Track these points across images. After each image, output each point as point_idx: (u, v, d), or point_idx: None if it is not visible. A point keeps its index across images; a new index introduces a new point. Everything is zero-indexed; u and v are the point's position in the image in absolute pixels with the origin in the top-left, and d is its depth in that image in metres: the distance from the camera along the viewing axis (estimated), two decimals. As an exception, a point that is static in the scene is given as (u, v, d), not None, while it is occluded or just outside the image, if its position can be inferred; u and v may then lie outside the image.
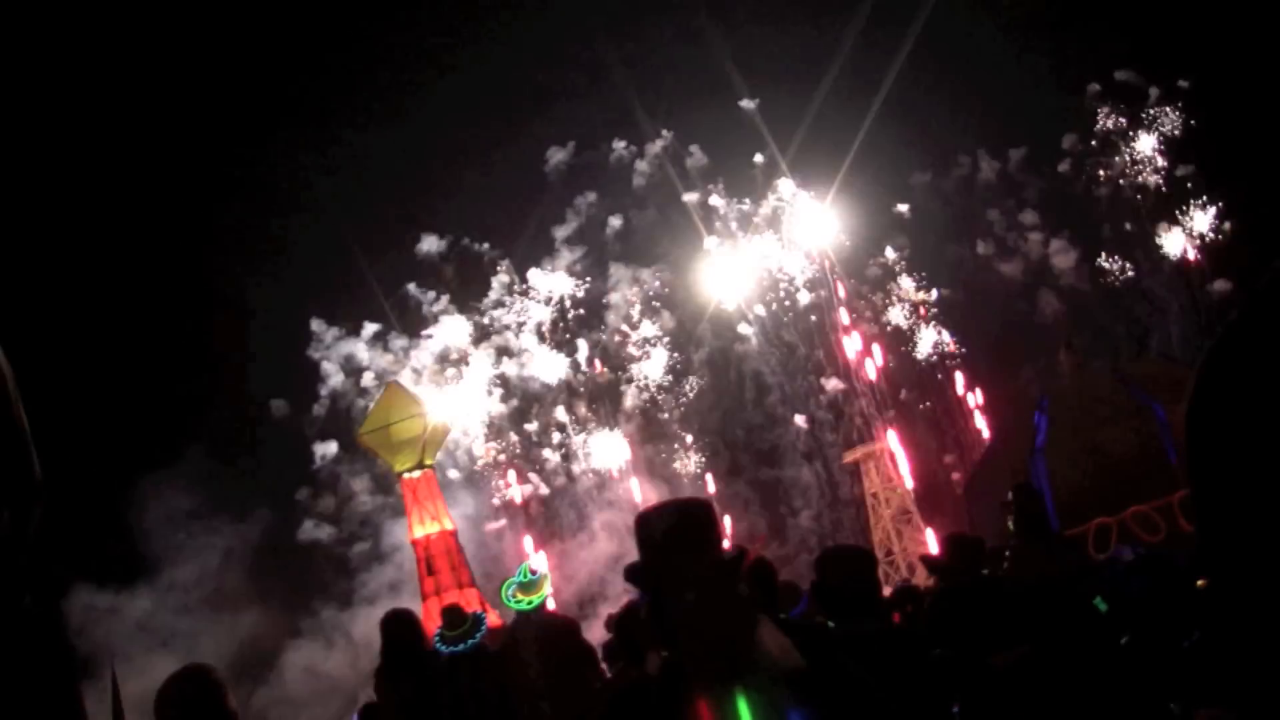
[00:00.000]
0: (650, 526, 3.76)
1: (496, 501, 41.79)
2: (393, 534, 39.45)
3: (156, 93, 38.80)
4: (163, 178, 38.76)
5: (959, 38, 40.45)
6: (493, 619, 15.04)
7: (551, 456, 41.90)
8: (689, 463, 41.33)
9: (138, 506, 34.09)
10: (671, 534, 3.69)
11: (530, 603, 10.81)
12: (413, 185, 43.09)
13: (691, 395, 42.71)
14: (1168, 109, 40.74)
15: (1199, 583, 7.44)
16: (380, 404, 38.85)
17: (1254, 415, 1.29)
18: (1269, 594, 1.34)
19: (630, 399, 42.27)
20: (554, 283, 42.93)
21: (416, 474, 37.79)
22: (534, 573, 11.07)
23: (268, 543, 37.05)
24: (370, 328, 42.86)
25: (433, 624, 11.03)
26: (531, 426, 42.29)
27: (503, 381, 42.67)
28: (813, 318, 42.62)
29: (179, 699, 4.95)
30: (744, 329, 43.03)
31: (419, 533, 37.14)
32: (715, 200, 44.03)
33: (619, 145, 44.50)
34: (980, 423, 38.12)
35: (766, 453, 41.75)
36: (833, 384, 41.40)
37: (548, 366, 42.27)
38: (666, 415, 42.47)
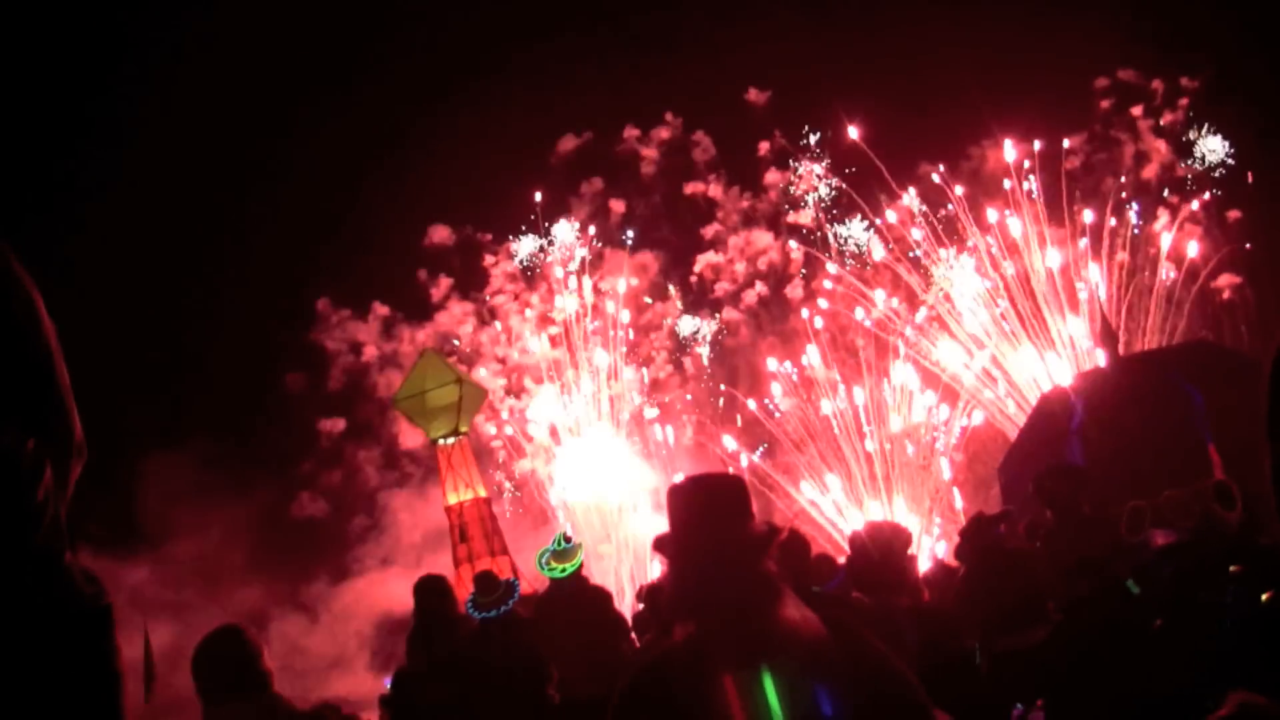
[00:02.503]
0: (680, 499, 3.79)
1: (499, 478, 41.91)
2: (390, 509, 39.82)
3: (175, 68, 39.00)
4: (184, 161, 38.84)
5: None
6: (524, 587, 15.11)
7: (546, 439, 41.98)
8: (702, 441, 41.21)
9: (141, 475, 34.25)
10: (701, 507, 3.70)
11: (564, 570, 10.85)
12: (421, 169, 42.74)
13: (706, 378, 42.91)
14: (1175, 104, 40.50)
15: (1232, 569, 7.43)
16: (415, 371, 38.97)
17: None
18: None
19: (632, 381, 42.13)
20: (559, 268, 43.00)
21: (450, 441, 37.97)
22: (568, 540, 11.09)
23: (267, 516, 37.38)
24: (379, 310, 43.15)
25: (465, 590, 11.08)
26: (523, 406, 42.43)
27: (503, 362, 42.88)
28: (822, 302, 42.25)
29: (218, 656, 5.02)
30: (730, 314, 43.16)
31: (452, 500, 37.33)
32: (715, 191, 43.94)
33: (630, 134, 44.22)
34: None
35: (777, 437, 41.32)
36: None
37: (544, 348, 42.34)
38: (671, 399, 42.54)
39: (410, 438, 40.69)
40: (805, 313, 41.51)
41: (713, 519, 3.65)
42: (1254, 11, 33.93)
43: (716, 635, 3.46)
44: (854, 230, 42.80)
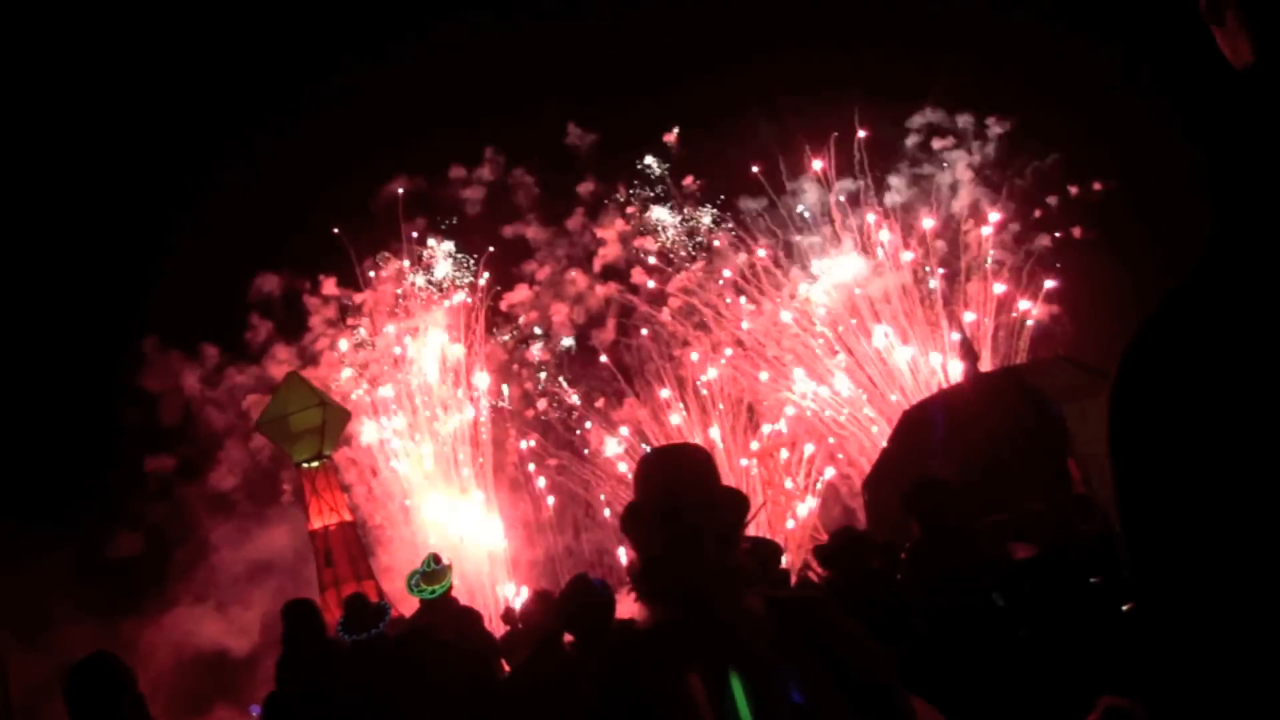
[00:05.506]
0: (655, 466, 3.45)
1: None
2: (211, 546, 38.72)
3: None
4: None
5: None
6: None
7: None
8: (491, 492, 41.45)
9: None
10: (677, 475, 3.33)
11: (434, 592, 10.85)
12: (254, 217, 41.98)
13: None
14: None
15: (1092, 580, 7.63)
16: (279, 394, 38.53)
17: (1181, 408, 1.33)
18: (1194, 591, 1.37)
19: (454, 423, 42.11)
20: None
21: (315, 464, 37.59)
22: (439, 562, 11.10)
23: (88, 555, 36.19)
24: (209, 351, 42.31)
25: (331, 615, 10.99)
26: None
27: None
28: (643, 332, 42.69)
29: (90, 683, 4.94)
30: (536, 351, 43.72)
31: (317, 524, 36.96)
32: (533, 231, 44.04)
33: (457, 174, 44.37)
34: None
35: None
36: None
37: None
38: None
39: (230, 477, 40.23)
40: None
41: (686, 488, 3.28)
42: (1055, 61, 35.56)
43: (683, 626, 3.11)
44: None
